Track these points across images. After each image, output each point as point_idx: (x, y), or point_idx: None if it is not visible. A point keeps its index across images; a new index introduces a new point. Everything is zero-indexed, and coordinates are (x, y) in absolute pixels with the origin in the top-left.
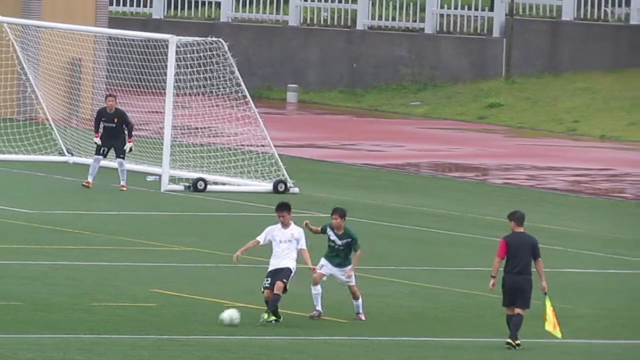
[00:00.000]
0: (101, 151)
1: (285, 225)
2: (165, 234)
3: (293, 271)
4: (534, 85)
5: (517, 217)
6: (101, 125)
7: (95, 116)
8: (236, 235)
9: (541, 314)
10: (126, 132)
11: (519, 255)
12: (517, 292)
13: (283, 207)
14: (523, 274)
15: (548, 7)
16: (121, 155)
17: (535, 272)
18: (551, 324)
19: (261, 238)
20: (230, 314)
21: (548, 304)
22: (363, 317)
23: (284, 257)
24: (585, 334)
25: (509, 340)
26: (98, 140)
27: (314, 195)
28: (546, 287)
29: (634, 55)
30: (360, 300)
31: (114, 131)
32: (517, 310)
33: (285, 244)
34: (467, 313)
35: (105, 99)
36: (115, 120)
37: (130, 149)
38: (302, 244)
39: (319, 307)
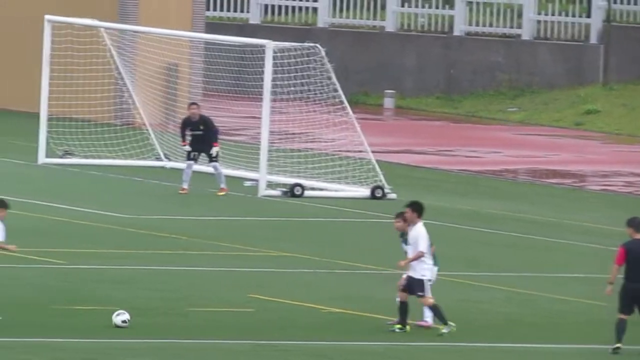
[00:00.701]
0: (191, 156)
1: (410, 225)
2: (262, 239)
3: (425, 278)
4: (632, 91)
5: (636, 224)
6: (189, 133)
7: (180, 125)
8: (333, 241)
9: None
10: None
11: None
12: (637, 300)
13: (408, 204)
14: None
15: None
16: (214, 160)
17: None
18: None
19: None
20: (120, 318)
21: None
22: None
23: (411, 265)
24: None
25: None
26: (187, 147)
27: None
28: None
29: None
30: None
31: (201, 138)
32: None
33: (409, 247)
34: (563, 319)
35: (188, 107)
36: (201, 127)
37: (217, 153)
38: (420, 246)
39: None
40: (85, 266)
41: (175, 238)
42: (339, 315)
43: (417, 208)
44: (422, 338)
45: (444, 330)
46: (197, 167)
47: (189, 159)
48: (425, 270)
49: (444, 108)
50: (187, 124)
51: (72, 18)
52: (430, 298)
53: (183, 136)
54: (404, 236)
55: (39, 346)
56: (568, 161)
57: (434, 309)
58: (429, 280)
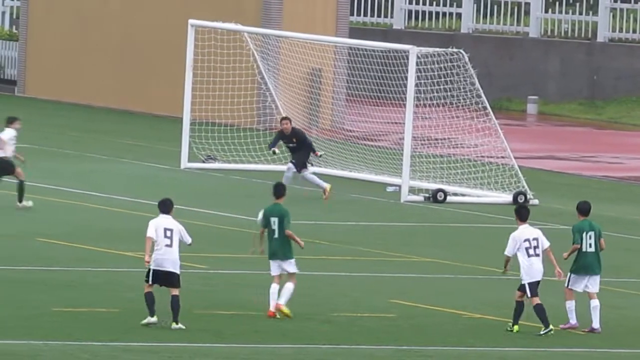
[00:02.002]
0: (291, 161)
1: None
2: (404, 245)
3: (523, 281)
4: None
5: None
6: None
7: (275, 134)
8: (476, 247)
9: None
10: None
11: None
12: None
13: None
14: None
15: None
16: (303, 166)
17: None
18: None
19: None
20: None
21: None
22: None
23: None
24: None
25: None
26: (271, 152)
27: (553, 207)
28: None
29: None
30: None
31: (294, 149)
32: None
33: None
34: None
35: (280, 122)
36: (294, 140)
37: (321, 155)
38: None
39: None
40: (227, 271)
41: (317, 243)
42: (480, 321)
43: (515, 212)
44: (564, 343)
45: (508, 328)
46: (333, 171)
47: (291, 162)
48: (523, 274)
49: (587, 114)
50: (280, 136)
51: (216, 22)
52: (519, 296)
53: (274, 144)
54: None
55: (182, 350)
56: None
57: (516, 307)
58: (529, 281)
